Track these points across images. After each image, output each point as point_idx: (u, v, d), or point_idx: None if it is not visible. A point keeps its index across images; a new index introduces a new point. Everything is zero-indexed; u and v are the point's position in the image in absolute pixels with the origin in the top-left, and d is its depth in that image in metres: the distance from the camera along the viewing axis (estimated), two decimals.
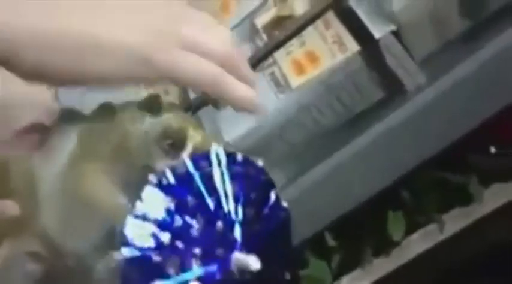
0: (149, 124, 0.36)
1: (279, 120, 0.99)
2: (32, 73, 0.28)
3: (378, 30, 0.90)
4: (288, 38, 0.93)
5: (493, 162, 1.36)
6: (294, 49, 0.96)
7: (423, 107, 1.11)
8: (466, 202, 1.37)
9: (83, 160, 0.36)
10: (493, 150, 1.35)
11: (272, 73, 0.97)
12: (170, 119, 0.37)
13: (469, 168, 1.36)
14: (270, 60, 0.96)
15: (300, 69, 0.95)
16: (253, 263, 0.40)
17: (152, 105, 0.37)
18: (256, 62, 0.94)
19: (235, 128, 1.01)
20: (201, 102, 1.05)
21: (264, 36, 1.02)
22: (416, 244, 1.41)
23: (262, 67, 0.97)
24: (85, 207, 0.35)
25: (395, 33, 0.92)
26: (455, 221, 1.40)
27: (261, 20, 1.04)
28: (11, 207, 0.35)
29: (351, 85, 0.98)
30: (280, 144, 1.03)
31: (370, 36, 0.91)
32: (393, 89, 1.03)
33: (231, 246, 0.41)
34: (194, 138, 0.36)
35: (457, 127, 1.22)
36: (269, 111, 0.97)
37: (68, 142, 0.37)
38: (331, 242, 1.44)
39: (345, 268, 1.46)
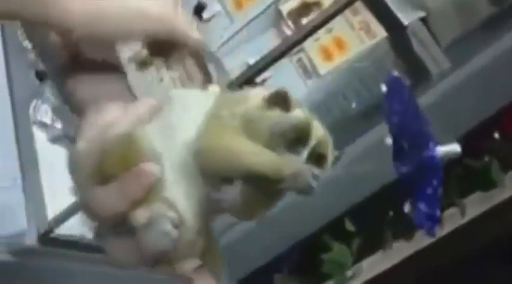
0: (278, 117, 0.38)
1: (306, 106, 1.00)
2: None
3: (407, 17, 0.92)
4: (317, 27, 0.94)
5: None
6: (322, 36, 0.97)
7: (447, 92, 1.12)
8: (487, 187, 1.39)
9: (219, 127, 0.38)
10: None
11: (300, 60, 0.99)
12: (298, 115, 0.38)
13: (491, 154, 1.38)
14: (297, 46, 0.98)
15: (327, 56, 0.96)
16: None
17: (281, 101, 0.38)
18: (285, 49, 0.95)
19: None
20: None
21: (290, 23, 1.04)
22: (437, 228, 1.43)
23: (290, 53, 0.98)
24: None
25: (423, 20, 0.94)
26: (476, 205, 1.42)
27: (287, 7, 1.06)
28: (154, 167, 0.37)
29: (377, 71, 0.99)
30: None
31: (398, 22, 0.93)
32: (419, 75, 1.04)
33: None
34: (317, 133, 0.38)
35: (480, 113, 1.24)
36: (297, 97, 0.99)
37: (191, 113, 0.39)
38: (350, 227, 1.47)
39: (366, 252, 1.49)
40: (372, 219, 1.47)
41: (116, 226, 0.38)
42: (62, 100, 1.57)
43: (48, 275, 1.15)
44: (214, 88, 0.44)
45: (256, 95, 0.39)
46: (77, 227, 1.22)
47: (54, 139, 1.43)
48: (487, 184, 1.38)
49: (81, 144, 0.41)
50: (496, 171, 1.36)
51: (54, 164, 1.31)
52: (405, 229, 1.44)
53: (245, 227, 1.31)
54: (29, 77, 1.54)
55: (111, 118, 0.40)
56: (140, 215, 0.36)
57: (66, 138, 1.45)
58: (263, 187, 0.38)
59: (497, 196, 1.40)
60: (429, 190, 0.78)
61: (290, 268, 1.60)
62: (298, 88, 0.99)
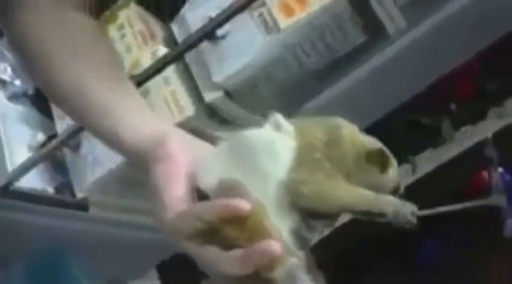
0: (375, 177, 0.43)
1: (266, 60, 1.02)
2: None
3: None
4: None
5: (464, 105, 1.42)
6: None
7: (403, 51, 1.16)
8: (438, 143, 1.45)
9: (305, 168, 0.41)
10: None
11: (261, 15, 1.00)
12: (392, 177, 0.43)
13: (443, 112, 1.43)
14: (259, 0, 0.99)
15: (288, 11, 0.98)
16: None
17: (380, 160, 0.43)
18: (246, 3, 0.97)
19: (224, 68, 1.05)
20: (188, 45, 1.07)
21: None
22: None
23: (251, 8, 1.00)
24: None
25: None
26: (427, 162, 1.48)
27: None
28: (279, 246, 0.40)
29: (335, 27, 1.02)
30: (267, 83, 1.07)
31: None
32: (375, 32, 1.07)
33: None
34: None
35: (433, 71, 1.29)
36: (257, 51, 1.00)
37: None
38: None
39: None
40: None
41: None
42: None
43: (9, 228, 1.16)
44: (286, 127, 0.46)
45: (349, 140, 0.43)
46: (37, 181, 1.22)
47: (12, 97, 1.41)
48: (438, 141, 1.44)
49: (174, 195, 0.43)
50: (447, 129, 1.42)
51: (12, 121, 1.30)
52: None
53: None
54: None
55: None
56: (279, 273, 0.40)
57: (25, 96, 1.44)
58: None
59: (447, 153, 1.47)
60: None
61: None
62: (258, 42, 1.00)
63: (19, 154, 1.19)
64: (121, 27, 1.12)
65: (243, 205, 0.40)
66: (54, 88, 0.49)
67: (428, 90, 1.28)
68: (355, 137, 0.44)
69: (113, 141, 0.48)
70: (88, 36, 0.51)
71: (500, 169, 1.41)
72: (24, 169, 1.11)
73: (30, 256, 1.20)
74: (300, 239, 0.42)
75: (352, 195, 0.41)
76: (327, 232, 1.52)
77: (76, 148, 1.23)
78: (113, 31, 1.17)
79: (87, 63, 0.48)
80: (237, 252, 0.41)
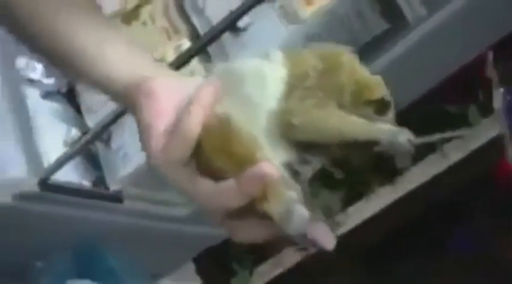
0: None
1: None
2: None
3: None
4: None
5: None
6: None
7: (424, 38, 1.16)
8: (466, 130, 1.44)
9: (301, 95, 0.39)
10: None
11: (282, 6, 1.02)
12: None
13: (469, 99, 1.42)
14: None
15: (308, 1, 1.00)
16: None
17: (382, 108, 0.40)
18: None
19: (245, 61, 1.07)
20: (210, 38, 1.10)
21: None
22: (420, 173, 1.49)
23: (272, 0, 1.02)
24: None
25: None
26: (457, 150, 1.47)
27: None
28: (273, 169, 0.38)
29: (355, 15, 1.04)
30: None
31: None
32: (396, 20, 1.08)
33: None
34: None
35: (456, 58, 1.28)
36: (279, 42, 1.03)
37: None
38: (338, 174, 1.52)
39: (352, 198, 1.55)
40: (358, 167, 1.52)
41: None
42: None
43: (48, 220, 1.21)
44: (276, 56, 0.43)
45: (348, 69, 0.40)
46: (72, 176, 1.27)
47: (46, 95, 1.46)
48: (466, 127, 1.43)
49: (160, 129, 0.42)
50: (474, 115, 1.41)
51: (46, 118, 1.35)
52: (389, 174, 1.50)
53: None
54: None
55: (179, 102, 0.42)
56: (275, 206, 0.38)
57: (59, 94, 1.49)
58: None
59: (476, 139, 1.46)
60: None
61: None
62: (279, 33, 1.03)
63: (54, 149, 1.24)
64: (144, 24, 1.15)
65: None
66: (45, 42, 0.49)
67: (452, 77, 1.28)
68: (355, 67, 0.40)
69: (105, 86, 0.48)
70: None
71: None
72: (60, 163, 1.16)
73: (68, 247, 1.25)
74: (294, 173, 0.40)
75: (345, 122, 0.38)
76: (359, 221, 1.53)
77: (108, 142, 1.28)
78: (136, 28, 1.21)
79: (73, 12, 0.49)
80: (230, 182, 0.39)
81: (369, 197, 1.54)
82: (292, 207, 0.38)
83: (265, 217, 0.39)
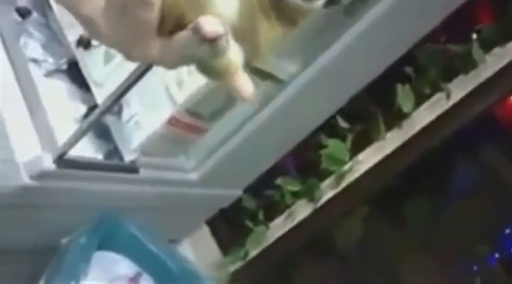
0: None
1: None
2: None
3: None
4: None
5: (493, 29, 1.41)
6: None
7: None
8: (469, 68, 1.45)
9: None
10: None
11: None
12: None
13: (471, 37, 1.43)
14: None
15: None
16: None
17: None
18: None
19: None
20: None
21: None
22: (426, 114, 1.51)
23: None
24: None
25: None
26: (460, 88, 1.49)
27: None
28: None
29: None
30: None
31: None
32: None
33: None
34: None
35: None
36: None
37: None
38: (343, 124, 1.54)
39: (360, 145, 1.57)
40: (363, 114, 1.54)
41: None
42: (48, 36, 1.59)
43: (68, 196, 1.22)
44: None
45: None
46: (86, 151, 1.28)
47: (48, 74, 1.46)
48: (469, 65, 1.44)
49: None
50: (477, 52, 1.42)
51: (53, 96, 1.35)
52: (396, 118, 1.52)
53: (245, 136, 1.38)
54: (11, 15, 1.55)
55: None
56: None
57: (60, 72, 1.48)
58: None
59: (479, 77, 1.47)
60: None
61: (292, 171, 1.69)
62: None
63: (65, 127, 1.24)
64: None
65: None
66: None
67: (450, 19, 1.28)
68: None
69: None
70: None
71: None
72: (73, 139, 1.16)
73: (90, 221, 1.27)
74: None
75: None
76: (370, 165, 1.54)
77: (118, 114, 1.28)
78: None
79: None
80: None
81: (378, 143, 1.55)
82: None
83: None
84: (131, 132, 1.26)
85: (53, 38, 1.54)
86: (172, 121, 1.21)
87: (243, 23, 0.42)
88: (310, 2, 0.42)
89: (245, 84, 0.43)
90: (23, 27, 1.55)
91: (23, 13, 1.61)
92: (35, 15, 1.61)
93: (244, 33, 0.42)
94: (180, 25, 0.41)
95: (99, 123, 1.25)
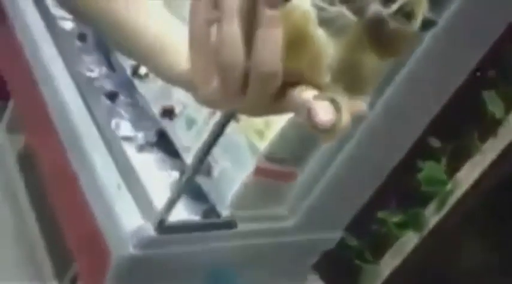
0: None
1: None
2: None
3: None
4: None
5: None
6: None
7: None
8: None
9: None
10: None
11: None
12: None
13: None
14: None
15: None
16: None
17: None
18: None
19: None
20: None
21: None
22: None
23: None
24: None
25: None
26: None
27: None
28: None
29: None
30: None
31: None
32: None
33: None
34: None
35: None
36: None
37: None
38: (436, 143, 1.49)
39: (457, 162, 1.50)
40: (453, 128, 1.48)
41: None
42: (136, 113, 1.70)
43: (171, 261, 1.26)
44: None
45: None
46: (183, 214, 1.32)
47: (140, 148, 1.55)
48: None
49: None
50: None
51: (147, 166, 1.43)
52: (489, 127, 1.44)
53: (334, 173, 1.37)
54: (101, 100, 1.68)
55: None
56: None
57: (149, 145, 1.58)
58: None
59: None
60: None
61: (391, 201, 1.64)
62: None
63: (162, 194, 1.30)
64: None
65: None
66: (134, 42, 0.51)
67: None
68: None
69: (176, 76, 0.48)
70: None
71: None
72: (170, 205, 1.21)
73: (196, 281, 1.30)
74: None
75: None
76: (470, 182, 1.47)
77: (208, 173, 1.32)
78: None
79: (149, 11, 0.51)
80: None
81: (475, 157, 1.48)
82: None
83: None
84: (223, 188, 1.29)
85: (141, 114, 1.65)
86: (257, 172, 1.23)
87: (347, 63, 0.42)
88: (411, 25, 0.41)
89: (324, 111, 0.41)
90: (113, 110, 1.68)
91: (112, 97, 1.74)
92: (122, 97, 1.74)
93: (348, 71, 0.42)
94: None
95: (192, 184, 1.30)
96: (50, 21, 1.78)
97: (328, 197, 1.40)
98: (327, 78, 0.42)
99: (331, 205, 1.44)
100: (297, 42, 0.41)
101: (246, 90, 0.42)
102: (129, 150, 1.50)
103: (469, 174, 1.50)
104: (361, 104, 0.43)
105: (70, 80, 1.62)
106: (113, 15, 0.52)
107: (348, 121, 0.41)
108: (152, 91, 1.58)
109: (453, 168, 1.51)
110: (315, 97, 0.41)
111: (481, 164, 1.47)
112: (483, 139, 1.47)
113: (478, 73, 1.35)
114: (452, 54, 1.25)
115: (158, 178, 1.41)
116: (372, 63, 0.43)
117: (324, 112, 0.39)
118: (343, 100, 0.41)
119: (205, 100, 0.45)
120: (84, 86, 1.65)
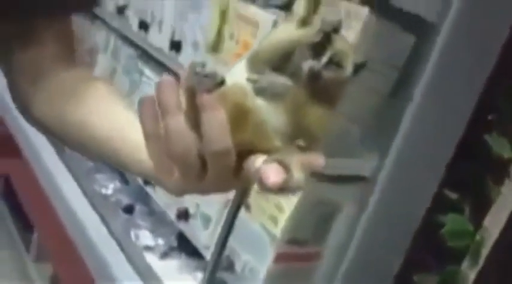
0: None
1: None
2: None
3: None
4: None
5: None
6: None
7: None
8: None
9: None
10: None
11: None
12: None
13: None
14: None
15: None
16: None
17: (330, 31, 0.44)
18: None
19: None
20: None
21: None
22: None
23: None
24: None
25: None
26: None
27: None
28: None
29: None
30: None
31: None
32: None
33: None
34: (337, 45, 0.44)
35: None
36: None
37: None
38: (452, 195, 1.46)
39: (480, 211, 1.47)
40: (466, 177, 1.46)
41: None
42: (153, 220, 1.72)
43: None
44: None
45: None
46: None
47: (163, 255, 1.56)
48: None
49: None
50: None
51: (171, 271, 1.43)
52: (501, 168, 1.42)
53: (359, 243, 1.35)
54: (119, 216, 1.71)
55: None
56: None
57: (171, 250, 1.58)
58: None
59: None
60: None
61: (425, 262, 1.59)
62: None
63: None
64: None
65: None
66: (90, 143, 0.54)
67: None
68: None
69: (140, 169, 0.50)
70: (95, 89, 0.57)
71: None
72: None
73: None
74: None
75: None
76: (499, 229, 1.43)
77: (231, 269, 1.31)
78: None
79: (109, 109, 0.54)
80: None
81: (497, 202, 1.45)
82: None
83: None
84: (249, 281, 1.28)
85: (158, 221, 1.67)
86: (278, 258, 1.22)
87: (294, 121, 0.45)
88: (343, 71, 0.45)
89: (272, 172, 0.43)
90: (131, 221, 1.70)
91: (129, 210, 1.77)
92: (138, 207, 1.77)
93: (298, 128, 0.46)
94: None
95: (217, 281, 1.29)
96: (60, 148, 1.85)
97: (358, 269, 1.37)
98: (276, 142, 0.44)
99: (362, 276, 1.40)
100: (239, 116, 0.44)
101: (206, 172, 0.44)
102: (151, 258, 1.50)
103: (495, 220, 1.46)
104: (317, 158, 0.44)
105: (85, 199, 1.66)
106: (78, 124, 0.55)
107: (301, 177, 0.43)
108: (166, 195, 1.61)
109: (477, 217, 1.47)
110: (264, 162, 0.43)
111: (506, 207, 1.44)
112: (498, 181, 1.44)
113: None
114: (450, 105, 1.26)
115: (183, 279, 1.41)
116: (317, 114, 0.46)
117: (274, 175, 0.41)
118: (293, 159, 0.43)
119: (173, 191, 0.48)
120: (100, 204, 1.68)
